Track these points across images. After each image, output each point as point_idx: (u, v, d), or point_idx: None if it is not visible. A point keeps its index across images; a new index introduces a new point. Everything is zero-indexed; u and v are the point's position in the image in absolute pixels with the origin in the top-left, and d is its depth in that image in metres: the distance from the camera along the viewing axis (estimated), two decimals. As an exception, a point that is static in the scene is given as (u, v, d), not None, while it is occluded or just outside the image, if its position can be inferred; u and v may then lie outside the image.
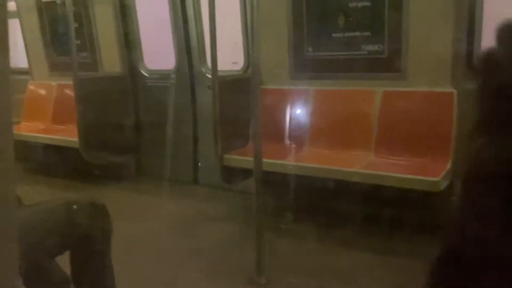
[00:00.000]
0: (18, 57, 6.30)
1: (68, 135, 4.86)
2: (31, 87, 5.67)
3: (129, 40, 4.86)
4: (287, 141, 3.79)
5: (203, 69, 4.51)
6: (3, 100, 0.43)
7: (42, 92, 5.61)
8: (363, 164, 3.25)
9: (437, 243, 0.61)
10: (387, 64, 3.41)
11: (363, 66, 3.49)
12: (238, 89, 3.52)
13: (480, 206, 0.56)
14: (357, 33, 3.48)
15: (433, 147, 3.21)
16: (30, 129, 5.27)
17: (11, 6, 6.07)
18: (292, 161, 3.48)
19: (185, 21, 4.50)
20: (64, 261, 1.95)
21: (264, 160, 2.84)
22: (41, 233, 1.86)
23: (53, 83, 5.48)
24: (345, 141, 3.55)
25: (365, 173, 3.11)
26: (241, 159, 3.54)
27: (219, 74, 3.50)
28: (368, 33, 3.44)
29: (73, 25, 4.42)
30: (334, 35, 3.59)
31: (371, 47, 3.43)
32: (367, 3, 3.40)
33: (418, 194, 2.92)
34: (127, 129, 4.90)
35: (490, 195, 0.55)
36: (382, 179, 3.04)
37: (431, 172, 2.94)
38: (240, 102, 3.39)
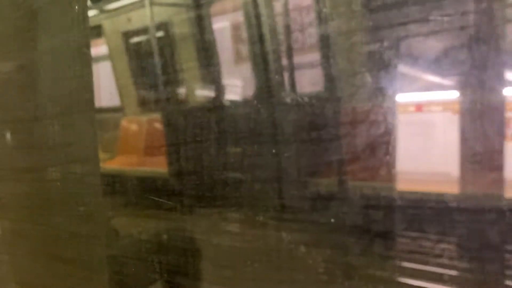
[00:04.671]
0: (112, 96, 6.82)
1: (159, 166, 5.11)
2: (124, 123, 6.09)
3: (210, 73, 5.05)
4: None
5: (282, 94, 4.53)
6: (90, 135, 0.43)
7: (134, 127, 5.99)
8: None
9: None
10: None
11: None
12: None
13: None
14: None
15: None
16: (124, 163, 5.64)
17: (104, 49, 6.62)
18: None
19: (263, 49, 4.58)
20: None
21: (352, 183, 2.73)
22: (135, 263, 1.92)
23: (143, 118, 5.84)
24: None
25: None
26: (324, 182, 3.45)
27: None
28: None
29: (158, 62, 4.69)
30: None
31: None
32: None
33: None
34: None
35: None
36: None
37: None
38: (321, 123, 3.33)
